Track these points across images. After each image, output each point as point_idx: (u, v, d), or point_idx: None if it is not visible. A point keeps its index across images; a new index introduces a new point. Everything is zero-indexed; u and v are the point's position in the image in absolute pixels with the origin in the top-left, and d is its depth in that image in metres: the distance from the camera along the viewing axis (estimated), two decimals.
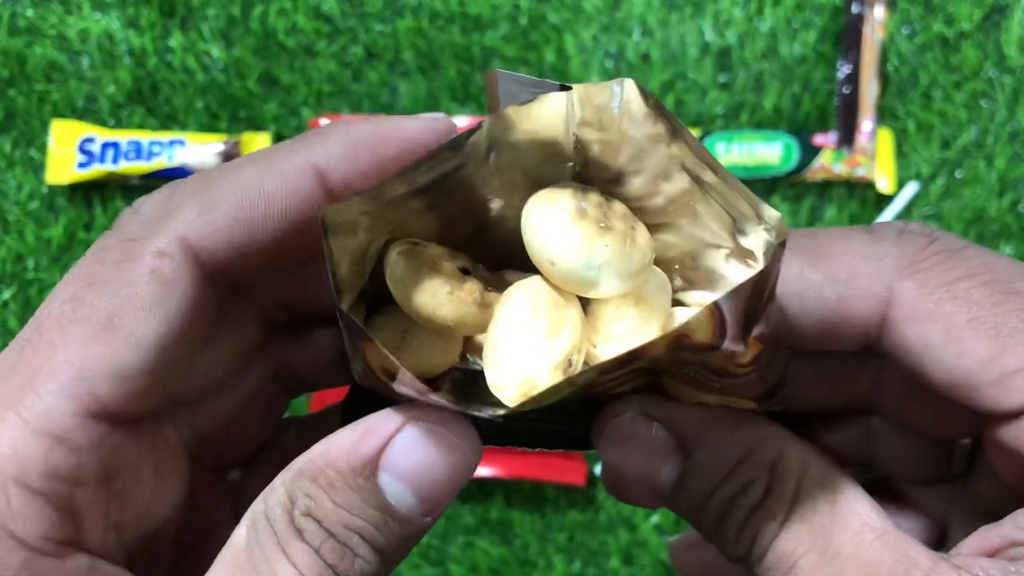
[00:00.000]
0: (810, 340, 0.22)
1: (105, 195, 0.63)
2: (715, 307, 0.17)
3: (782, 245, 0.18)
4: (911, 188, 0.61)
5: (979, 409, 0.20)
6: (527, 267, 0.21)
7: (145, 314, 0.19)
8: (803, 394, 0.25)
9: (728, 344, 0.18)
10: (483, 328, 0.21)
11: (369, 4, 0.63)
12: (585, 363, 0.20)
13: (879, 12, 0.61)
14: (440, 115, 0.21)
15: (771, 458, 0.21)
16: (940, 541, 0.25)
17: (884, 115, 0.62)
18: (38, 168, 0.63)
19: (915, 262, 0.21)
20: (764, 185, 0.61)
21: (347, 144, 0.21)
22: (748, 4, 0.62)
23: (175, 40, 0.63)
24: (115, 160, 0.61)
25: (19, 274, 0.62)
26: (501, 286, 0.21)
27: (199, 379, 0.23)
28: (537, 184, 0.21)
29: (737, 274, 0.21)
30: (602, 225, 0.20)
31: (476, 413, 0.18)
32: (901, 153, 0.62)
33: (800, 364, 0.24)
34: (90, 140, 0.61)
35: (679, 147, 0.19)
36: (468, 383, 0.23)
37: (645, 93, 0.19)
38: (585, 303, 0.21)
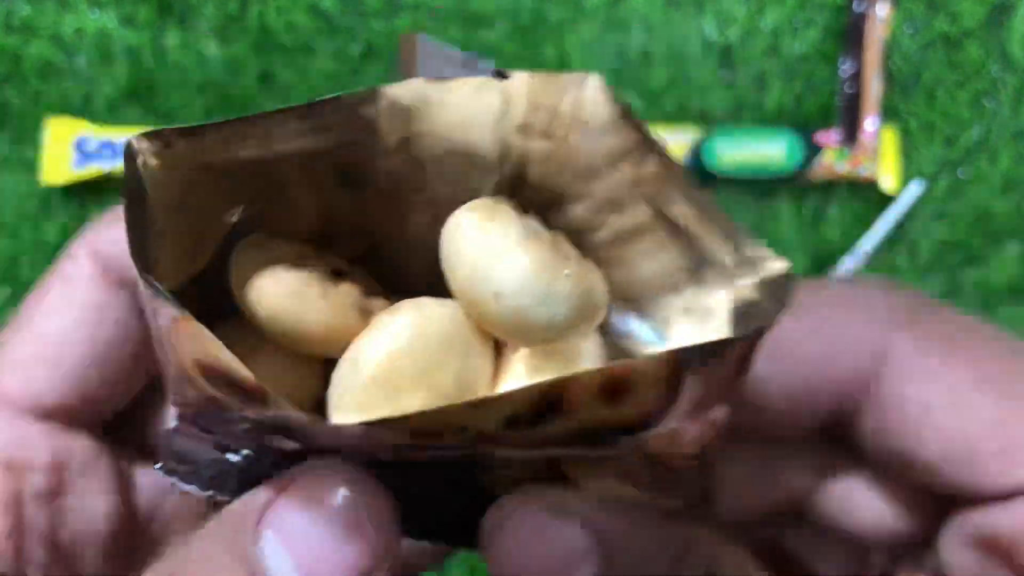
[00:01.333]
0: (771, 412, 0.19)
1: (102, 195, 0.62)
2: (675, 358, 0.12)
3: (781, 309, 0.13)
4: (914, 187, 0.60)
5: (966, 488, 0.18)
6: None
7: None
8: (732, 499, 0.21)
9: (675, 420, 0.14)
10: None
11: (368, 2, 0.63)
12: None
13: (882, 10, 0.61)
14: None
15: (705, 562, 0.17)
16: None
17: (887, 114, 0.61)
18: (33, 168, 0.62)
19: (911, 313, 0.19)
20: (766, 186, 0.61)
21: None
22: (750, 2, 0.62)
23: (172, 38, 0.62)
24: (112, 159, 0.61)
25: (14, 275, 0.62)
26: (391, 301, 0.16)
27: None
28: (452, 197, 0.16)
29: (684, 333, 0.17)
30: (556, 250, 0.15)
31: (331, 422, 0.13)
32: (904, 152, 0.61)
33: (733, 459, 0.21)
34: (86, 139, 0.61)
35: (645, 169, 0.15)
36: None
37: (613, 96, 0.15)
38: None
